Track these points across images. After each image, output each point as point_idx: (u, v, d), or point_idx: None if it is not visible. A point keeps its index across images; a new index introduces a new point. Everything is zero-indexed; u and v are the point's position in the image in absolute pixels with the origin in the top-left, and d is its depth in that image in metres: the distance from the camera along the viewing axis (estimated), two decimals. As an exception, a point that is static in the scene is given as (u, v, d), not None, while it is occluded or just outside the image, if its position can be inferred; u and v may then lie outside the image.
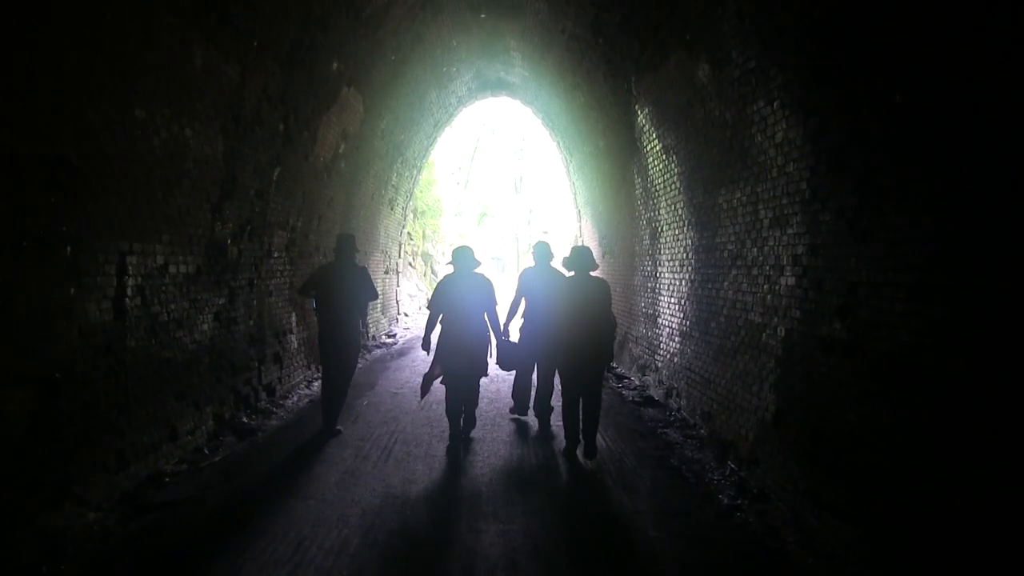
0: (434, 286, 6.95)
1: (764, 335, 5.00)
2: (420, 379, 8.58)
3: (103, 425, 4.24)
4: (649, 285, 9.01)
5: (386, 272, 14.35)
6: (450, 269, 5.98)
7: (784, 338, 4.64)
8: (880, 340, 3.45)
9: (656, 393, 8.00)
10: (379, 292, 7.59)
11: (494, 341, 6.00)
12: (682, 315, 7.38)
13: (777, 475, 4.56)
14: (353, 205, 10.77)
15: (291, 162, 7.37)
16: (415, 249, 20.65)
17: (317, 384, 8.47)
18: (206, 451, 5.37)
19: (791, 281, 4.56)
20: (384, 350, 12.20)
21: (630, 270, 10.21)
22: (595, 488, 4.91)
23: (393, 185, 13.57)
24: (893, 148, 3.35)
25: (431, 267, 22.81)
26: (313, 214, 8.60)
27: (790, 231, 4.59)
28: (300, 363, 8.34)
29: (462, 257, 5.85)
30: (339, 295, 5.99)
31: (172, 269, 5.10)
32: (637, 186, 9.36)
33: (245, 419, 6.28)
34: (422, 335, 6.14)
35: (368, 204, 11.95)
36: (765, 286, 5.03)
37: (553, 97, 12.88)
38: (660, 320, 8.35)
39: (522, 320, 6.55)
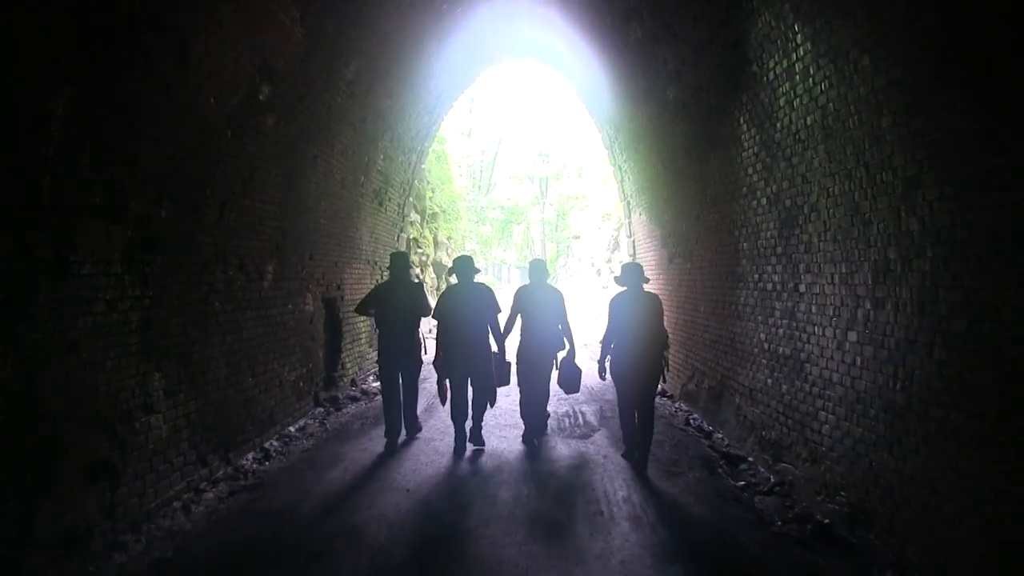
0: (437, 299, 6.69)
1: None
2: (392, 494, 4.97)
3: None
4: (777, 306, 5.31)
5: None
6: (453, 280, 6.21)
7: None
8: None
9: (820, 511, 4.24)
10: (431, 306, 6.50)
11: (495, 349, 6.05)
12: (892, 368, 3.67)
13: None
14: (304, 191, 7.19)
15: (116, 83, 3.82)
16: (423, 259, 17.07)
17: (217, 490, 4.88)
18: None
19: None
20: (361, 405, 8.18)
21: (728, 279, 6.52)
22: None
23: (379, 171, 10.01)
24: None
25: (445, 279, 19.15)
26: (202, 198, 5.01)
27: None
28: (182, 460, 4.62)
29: (462, 267, 6.09)
30: (394, 312, 6.19)
31: None
32: (747, 143, 5.71)
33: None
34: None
35: (337, 193, 8.40)
36: None
37: (593, 44, 9.29)
38: (813, 369, 4.63)
39: (519, 338, 6.33)
